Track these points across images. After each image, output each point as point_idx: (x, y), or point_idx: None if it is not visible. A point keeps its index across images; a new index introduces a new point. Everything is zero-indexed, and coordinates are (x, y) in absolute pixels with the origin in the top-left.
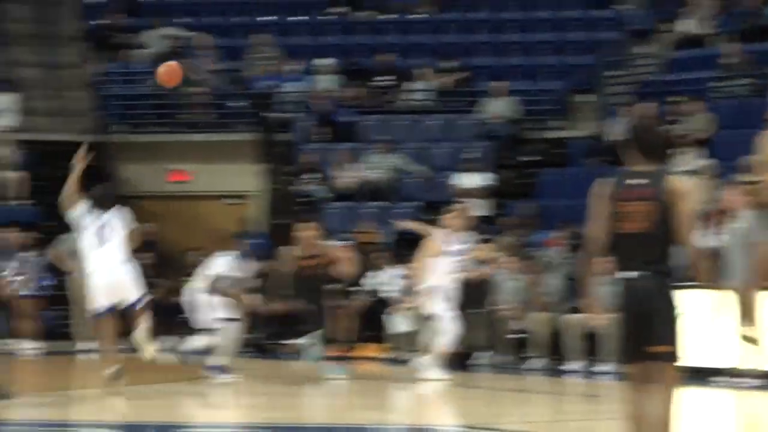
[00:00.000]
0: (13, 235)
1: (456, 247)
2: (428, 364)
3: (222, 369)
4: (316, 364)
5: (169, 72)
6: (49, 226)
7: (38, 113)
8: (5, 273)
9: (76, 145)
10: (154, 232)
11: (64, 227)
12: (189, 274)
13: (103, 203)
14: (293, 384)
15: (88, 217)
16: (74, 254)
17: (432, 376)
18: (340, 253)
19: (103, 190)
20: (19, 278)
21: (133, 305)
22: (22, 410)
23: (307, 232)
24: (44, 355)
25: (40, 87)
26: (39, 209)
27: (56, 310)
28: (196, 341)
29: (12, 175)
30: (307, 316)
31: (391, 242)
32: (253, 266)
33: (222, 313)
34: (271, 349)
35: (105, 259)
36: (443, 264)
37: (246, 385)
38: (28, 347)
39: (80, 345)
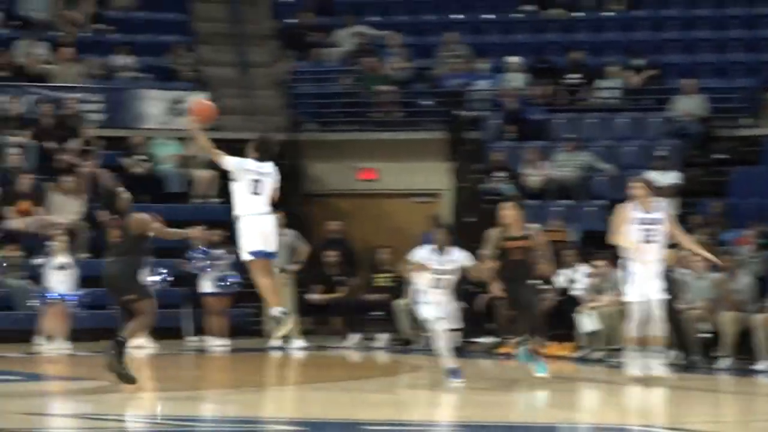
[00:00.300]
0: (203, 233)
1: (644, 215)
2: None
3: (454, 372)
4: (526, 361)
5: (200, 109)
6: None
7: (229, 112)
8: (197, 269)
9: None
10: (341, 229)
11: None
12: (377, 272)
13: (263, 153)
14: (493, 381)
15: (245, 166)
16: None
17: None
18: (544, 237)
19: (265, 140)
20: (210, 275)
21: (272, 255)
22: (209, 406)
23: (512, 211)
24: (232, 352)
25: (231, 86)
26: (228, 207)
27: (245, 308)
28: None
29: (202, 174)
30: (516, 312)
31: (578, 240)
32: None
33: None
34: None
35: (257, 208)
36: (635, 234)
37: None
38: (216, 344)
39: (273, 342)
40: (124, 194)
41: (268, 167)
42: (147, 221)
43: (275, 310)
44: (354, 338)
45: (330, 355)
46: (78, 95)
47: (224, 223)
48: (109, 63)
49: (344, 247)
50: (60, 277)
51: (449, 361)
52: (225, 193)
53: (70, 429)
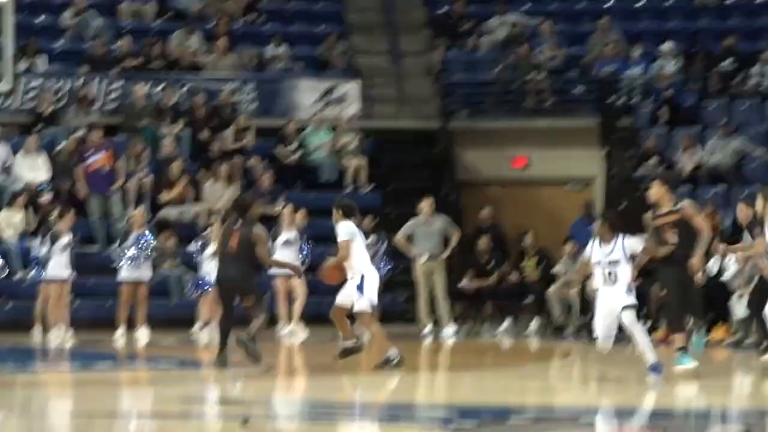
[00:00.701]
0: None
1: None
2: None
3: (656, 368)
4: (699, 349)
5: (329, 273)
6: (390, 211)
7: (381, 101)
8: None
9: (419, 132)
10: (492, 216)
11: (406, 213)
12: (525, 259)
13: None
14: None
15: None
16: (415, 239)
17: None
18: (694, 210)
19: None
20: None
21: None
22: (361, 392)
23: (658, 188)
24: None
25: (383, 75)
26: (380, 195)
27: (396, 294)
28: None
29: (355, 162)
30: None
31: (731, 226)
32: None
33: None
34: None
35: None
36: None
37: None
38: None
39: (425, 329)
40: (258, 208)
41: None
42: (263, 241)
43: (393, 352)
44: (505, 324)
45: (481, 341)
46: (231, 86)
47: (375, 211)
48: (261, 53)
49: (495, 234)
50: (214, 265)
51: (651, 356)
52: (375, 181)
53: (223, 415)
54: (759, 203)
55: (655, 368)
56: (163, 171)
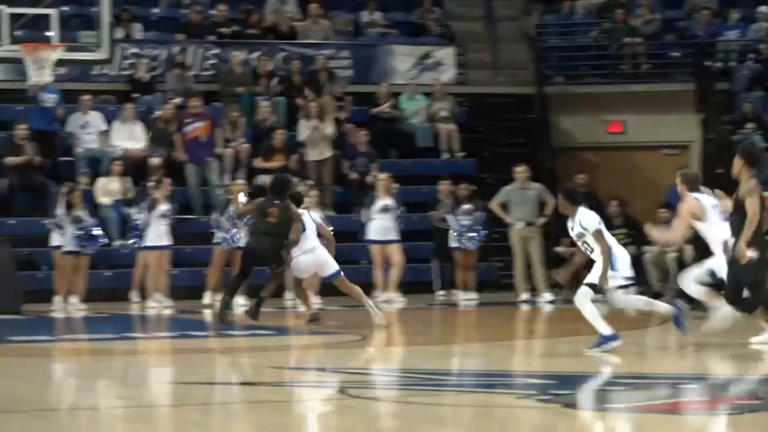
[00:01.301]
0: (451, 188)
1: None
2: None
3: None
4: None
5: None
6: (485, 178)
7: (476, 66)
8: (453, 226)
9: (515, 98)
10: (588, 182)
11: (502, 180)
12: (616, 226)
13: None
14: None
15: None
16: (510, 206)
17: None
18: (747, 190)
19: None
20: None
21: None
22: (458, 360)
23: (737, 162)
24: (480, 306)
25: (478, 40)
26: (476, 162)
27: (493, 262)
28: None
29: (450, 128)
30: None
31: None
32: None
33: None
34: None
35: None
36: None
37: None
38: (464, 298)
39: (522, 296)
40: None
41: None
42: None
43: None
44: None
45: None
46: (326, 52)
47: (471, 178)
48: (357, 19)
49: (591, 201)
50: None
51: (603, 328)
52: (473, 148)
53: (319, 382)
54: None
55: (605, 340)
56: (261, 138)
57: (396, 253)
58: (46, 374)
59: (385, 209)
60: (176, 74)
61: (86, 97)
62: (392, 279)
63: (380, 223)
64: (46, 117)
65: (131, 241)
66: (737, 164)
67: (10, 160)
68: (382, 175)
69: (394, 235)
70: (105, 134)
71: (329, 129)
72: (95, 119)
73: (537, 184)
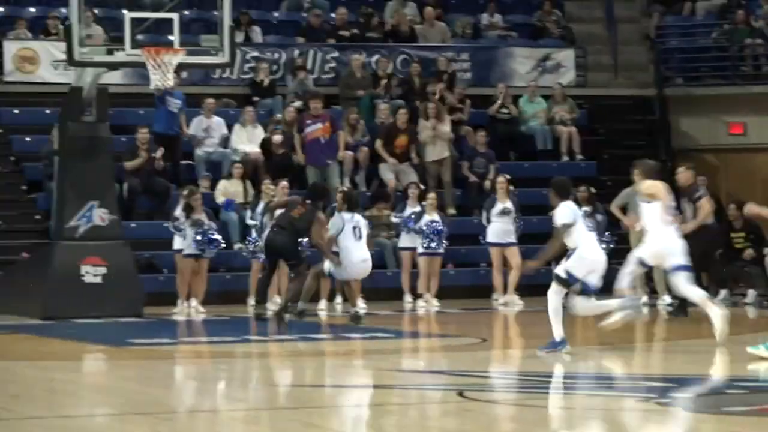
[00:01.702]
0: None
1: None
2: None
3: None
4: None
5: None
6: (605, 180)
7: (596, 68)
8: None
9: (635, 100)
10: (707, 184)
11: (622, 182)
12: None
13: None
14: None
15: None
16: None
17: None
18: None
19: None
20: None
21: None
22: (575, 363)
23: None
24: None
25: (598, 42)
26: (596, 163)
27: (615, 264)
28: None
29: (570, 131)
30: None
31: None
32: None
33: None
34: None
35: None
36: None
37: None
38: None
39: (642, 298)
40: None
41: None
42: (323, 224)
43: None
44: (721, 295)
45: (696, 310)
46: (446, 54)
47: (590, 180)
48: (476, 21)
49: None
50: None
51: (557, 332)
52: (593, 150)
53: (437, 385)
54: None
55: (554, 345)
56: (382, 140)
57: (515, 256)
58: (168, 377)
59: (504, 212)
60: (297, 78)
61: (210, 100)
62: (511, 282)
63: (499, 226)
64: (169, 121)
65: (254, 245)
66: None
67: (129, 164)
68: (501, 178)
69: (513, 238)
70: (226, 138)
71: (446, 128)
72: (217, 123)
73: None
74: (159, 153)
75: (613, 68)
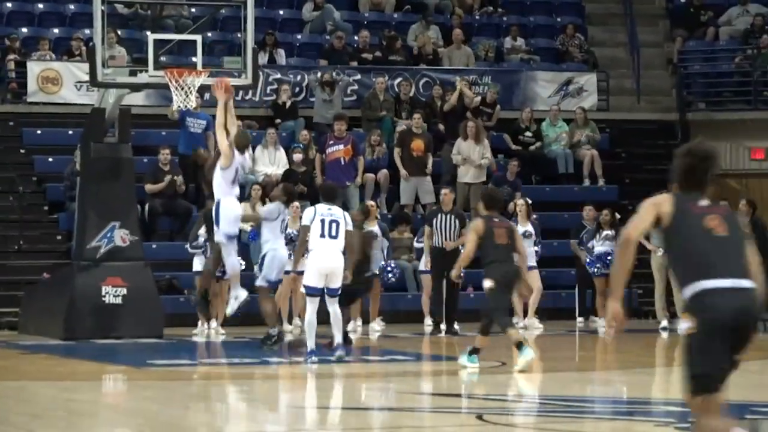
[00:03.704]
0: (595, 213)
1: None
2: None
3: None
4: None
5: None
6: (627, 205)
7: (619, 93)
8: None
9: (657, 124)
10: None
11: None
12: None
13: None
14: None
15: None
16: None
17: None
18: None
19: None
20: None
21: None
22: (597, 387)
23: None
24: (622, 334)
25: (621, 66)
26: (617, 187)
27: (636, 288)
28: None
29: (592, 154)
30: None
31: None
32: None
33: None
34: None
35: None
36: None
37: None
38: (605, 324)
39: (663, 323)
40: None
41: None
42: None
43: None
44: None
45: None
46: (469, 78)
47: (612, 204)
48: (499, 45)
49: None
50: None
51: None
52: (611, 174)
53: (456, 407)
54: None
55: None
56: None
57: (535, 280)
58: (188, 398)
59: (524, 235)
60: (319, 99)
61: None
62: (531, 305)
63: None
64: (191, 142)
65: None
66: None
67: (150, 187)
68: (521, 201)
69: (533, 262)
70: (250, 160)
71: (487, 153)
72: None
73: None
74: (179, 179)
75: (636, 92)
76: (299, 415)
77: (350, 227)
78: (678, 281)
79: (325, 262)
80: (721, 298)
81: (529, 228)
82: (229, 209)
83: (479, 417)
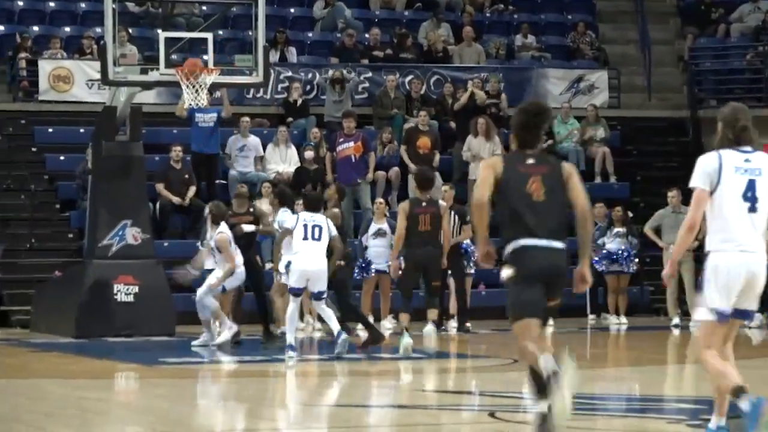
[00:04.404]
0: (605, 210)
1: None
2: None
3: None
4: None
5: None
6: (638, 202)
7: (630, 90)
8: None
9: (668, 122)
10: None
11: (655, 204)
12: None
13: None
14: None
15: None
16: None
17: None
18: None
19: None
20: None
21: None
22: (610, 384)
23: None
24: (631, 330)
25: (632, 64)
26: (629, 185)
27: (645, 286)
28: None
29: (604, 151)
30: None
31: None
32: None
33: None
34: None
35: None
36: None
37: None
38: (616, 322)
39: (674, 320)
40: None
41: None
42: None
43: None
44: (758, 318)
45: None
46: (481, 75)
47: (623, 202)
48: (510, 43)
49: None
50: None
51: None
52: (622, 172)
53: (468, 405)
54: None
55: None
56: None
57: None
58: (200, 396)
59: None
60: (330, 97)
61: (246, 119)
62: None
63: None
64: (203, 139)
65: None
66: None
67: (160, 187)
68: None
69: None
70: (261, 158)
71: (497, 150)
72: (253, 143)
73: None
74: (191, 192)
75: (647, 90)
76: (311, 412)
77: (334, 233)
78: (502, 236)
79: (309, 265)
80: (534, 255)
81: None
82: None
83: (492, 414)
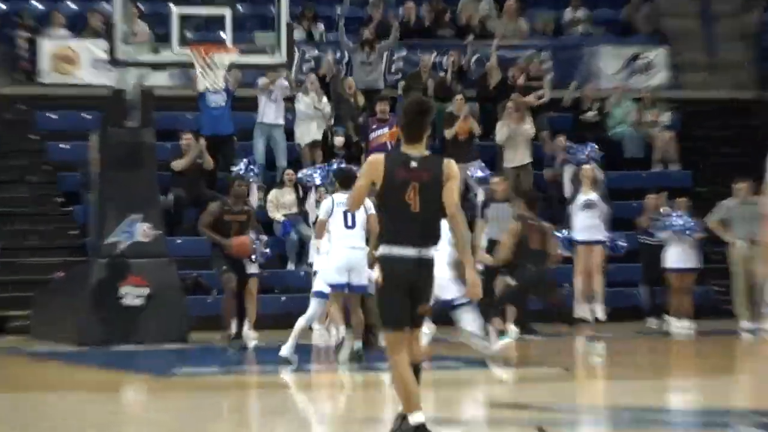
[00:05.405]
0: (658, 202)
1: None
2: None
3: None
4: None
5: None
6: (701, 192)
7: (690, 68)
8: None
9: (734, 103)
10: None
11: (719, 194)
12: None
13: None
14: None
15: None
16: (731, 223)
17: None
18: None
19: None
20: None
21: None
22: (673, 395)
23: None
24: (698, 335)
25: (693, 39)
26: (691, 173)
27: (714, 285)
28: None
29: (663, 137)
30: None
31: None
32: None
33: None
34: None
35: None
36: None
37: None
38: (680, 326)
39: (743, 324)
40: None
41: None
42: None
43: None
44: None
45: None
46: (525, 53)
47: (685, 190)
48: (559, 17)
49: None
50: None
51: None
52: (685, 157)
53: (513, 419)
54: None
55: None
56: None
57: (598, 256)
58: (216, 410)
59: (588, 205)
60: (359, 59)
61: (264, 79)
62: (596, 290)
63: (583, 221)
64: (214, 121)
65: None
66: None
67: (176, 163)
68: (587, 166)
69: (600, 236)
70: (292, 102)
71: (530, 130)
72: (280, 85)
73: (763, 198)
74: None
75: (710, 68)
76: (335, 427)
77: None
78: (380, 237)
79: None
80: (401, 263)
81: (593, 197)
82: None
83: (541, 429)
